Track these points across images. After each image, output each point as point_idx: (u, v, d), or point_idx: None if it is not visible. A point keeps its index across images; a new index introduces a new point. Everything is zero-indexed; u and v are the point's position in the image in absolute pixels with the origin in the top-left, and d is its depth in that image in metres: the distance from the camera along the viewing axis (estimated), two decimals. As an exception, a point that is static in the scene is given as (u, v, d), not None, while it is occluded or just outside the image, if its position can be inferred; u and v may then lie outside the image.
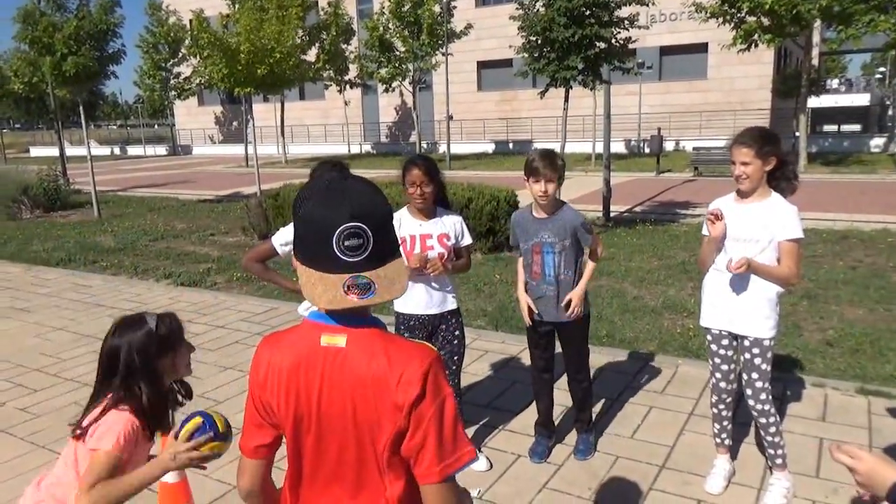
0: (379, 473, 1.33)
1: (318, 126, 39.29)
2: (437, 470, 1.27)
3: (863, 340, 5.20)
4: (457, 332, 3.51)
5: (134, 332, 2.00)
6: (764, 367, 3.06)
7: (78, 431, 1.95)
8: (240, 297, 7.22)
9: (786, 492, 3.14)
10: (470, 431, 3.91)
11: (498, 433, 3.96)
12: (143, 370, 1.97)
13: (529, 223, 3.43)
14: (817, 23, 19.07)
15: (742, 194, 3.01)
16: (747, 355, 3.09)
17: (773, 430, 3.12)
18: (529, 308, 3.50)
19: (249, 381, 1.42)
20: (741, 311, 3.05)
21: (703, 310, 3.25)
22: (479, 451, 3.68)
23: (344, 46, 30.73)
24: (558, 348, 3.66)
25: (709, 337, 3.26)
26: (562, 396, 3.89)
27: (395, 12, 25.86)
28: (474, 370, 4.93)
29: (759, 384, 3.08)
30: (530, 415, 3.97)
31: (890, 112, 29.90)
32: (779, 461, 3.16)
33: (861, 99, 36.64)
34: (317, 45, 29.37)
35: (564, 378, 3.74)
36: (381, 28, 26.50)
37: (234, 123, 42.74)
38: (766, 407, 3.09)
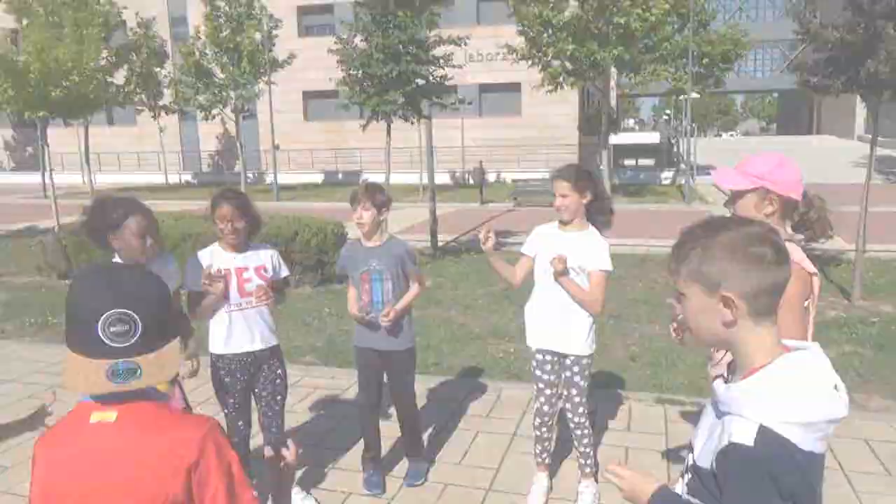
0: None
1: (131, 154, 36.43)
2: None
3: (659, 354, 5.79)
4: (279, 371, 3.43)
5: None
6: (582, 383, 3.36)
7: None
8: (34, 346, 6.39)
9: (594, 497, 3.44)
10: (298, 474, 3.76)
11: (329, 472, 3.85)
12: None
13: (359, 252, 3.53)
14: (613, 69, 21.37)
15: (563, 223, 3.28)
16: (568, 373, 3.36)
17: (585, 441, 3.44)
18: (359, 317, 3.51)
19: (30, 494, 1.31)
20: (562, 332, 3.29)
21: (529, 330, 3.45)
22: (308, 493, 3.56)
23: (158, 70, 28.85)
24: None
25: (534, 361, 3.46)
26: (389, 428, 3.88)
27: (212, 38, 24.73)
28: (302, 409, 4.77)
29: (577, 399, 3.37)
30: (360, 450, 3.91)
31: (675, 149, 34.05)
32: (588, 470, 3.48)
33: (652, 137, 41.25)
34: (126, 66, 27.28)
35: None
36: (198, 53, 25.21)
37: (29, 149, 38.33)
38: (582, 420, 3.40)
